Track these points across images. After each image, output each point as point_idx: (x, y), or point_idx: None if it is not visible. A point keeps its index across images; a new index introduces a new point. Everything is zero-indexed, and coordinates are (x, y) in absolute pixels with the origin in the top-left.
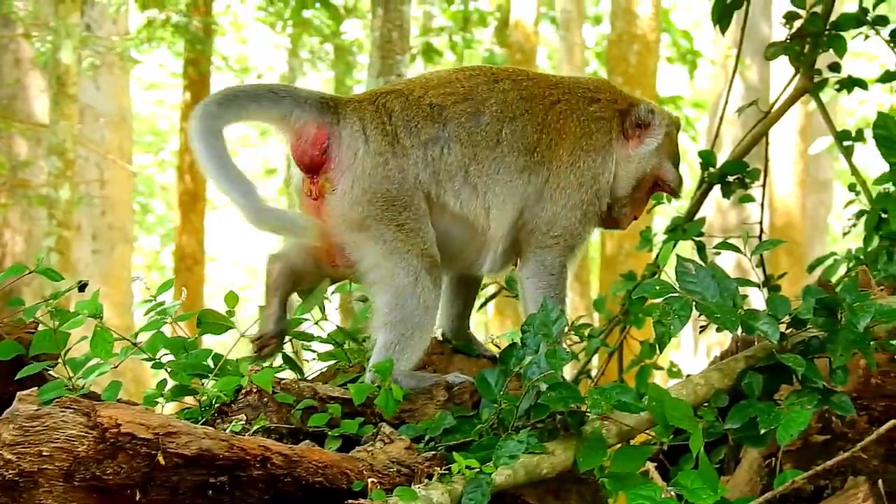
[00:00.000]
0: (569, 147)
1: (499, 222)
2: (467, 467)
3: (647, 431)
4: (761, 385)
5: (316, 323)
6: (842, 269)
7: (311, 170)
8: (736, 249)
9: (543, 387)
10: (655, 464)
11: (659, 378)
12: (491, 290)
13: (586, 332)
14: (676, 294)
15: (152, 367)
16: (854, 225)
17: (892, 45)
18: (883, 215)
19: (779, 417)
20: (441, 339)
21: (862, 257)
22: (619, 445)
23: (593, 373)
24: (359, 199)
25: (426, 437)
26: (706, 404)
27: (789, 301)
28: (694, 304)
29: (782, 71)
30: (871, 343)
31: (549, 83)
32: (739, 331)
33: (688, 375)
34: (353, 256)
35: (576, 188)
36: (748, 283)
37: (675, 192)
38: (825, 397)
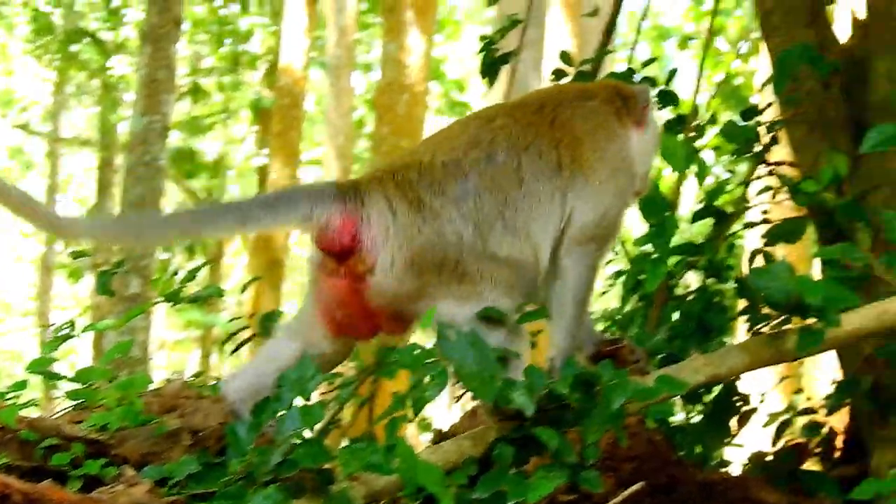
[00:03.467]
0: (589, 146)
1: (546, 252)
2: None
3: (396, 495)
4: (512, 456)
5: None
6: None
7: (341, 257)
8: None
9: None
10: None
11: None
12: (245, 334)
13: (337, 382)
14: (433, 361)
15: None
16: (612, 285)
17: (660, 105)
18: (640, 277)
19: (527, 489)
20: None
21: (618, 318)
22: None
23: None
24: (404, 273)
25: (169, 482)
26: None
27: (543, 372)
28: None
29: None
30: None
31: (539, 103)
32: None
33: (440, 431)
34: (419, 313)
35: (612, 177)
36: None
37: None
38: (575, 472)
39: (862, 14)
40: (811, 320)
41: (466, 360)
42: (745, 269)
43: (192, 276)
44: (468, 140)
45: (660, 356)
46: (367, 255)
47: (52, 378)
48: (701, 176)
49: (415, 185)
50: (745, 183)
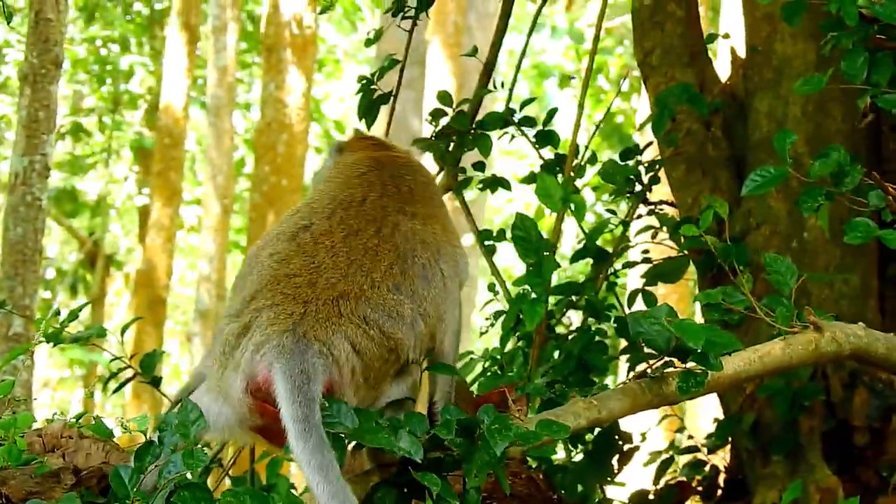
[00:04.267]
0: (442, 213)
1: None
2: None
3: None
4: (394, 499)
5: None
6: (478, 368)
7: None
8: None
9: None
10: None
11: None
12: (128, 373)
13: None
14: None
15: None
16: (492, 324)
17: (537, 146)
18: (520, 316)
19: None
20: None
21: (499, 357)
22: None
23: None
24: (366, 392)
25: None
26: None
27: (425, 418)
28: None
29: (430, 166)
30: (505, 463)
31: (373, 195)
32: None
33: None
34: None
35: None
36: None
37: None
38: None
39: (742, 52)
40: (692, 364)
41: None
42: (626, 309)
43: (74, 315)
44: (373, 256)
45: (541, 398)
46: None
47: None
48: (578, 216)
49: (372, 318)
50: (626, 222)
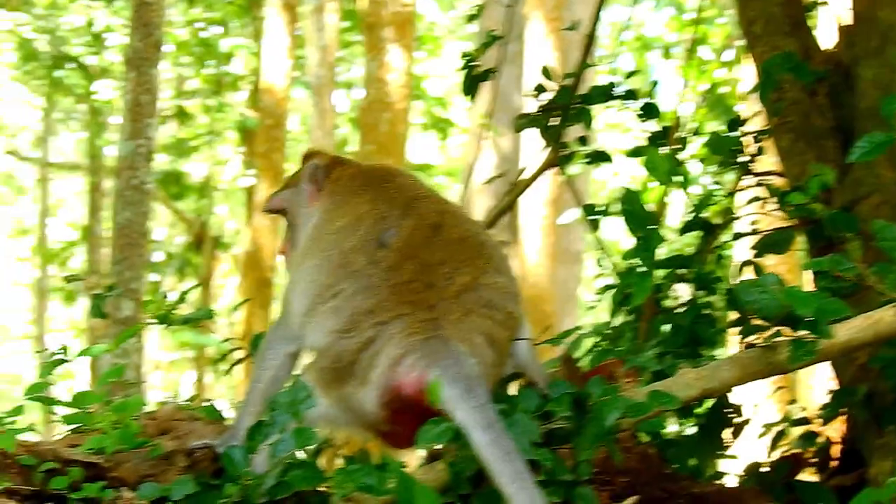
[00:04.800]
0: None
1: None
2: None
3: None
4: None
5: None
6: (587, 344)
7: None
8: None
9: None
10: None
11: None
12: (238, 354)
13: None
14: None
15: None
16: (600, 299)
17: (641, 119)
18: (628, 290)
19: None
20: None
21: (608, 332)
22: None
23: None
24: None
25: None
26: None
27: (536, 394)
28: None
29: (535, 141)
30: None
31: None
32: None
33: (432, 449)
34: None
35: None
36: None
37: None
38: (569, 488)
39: (847, 20)
40: (803, 332)
41: None
42: (734, 281)
43: (183, 297)
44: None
45: (651, 370)
46: None
47: (47, 403)
48: (685, 188)
49: (495, 302)
50: (732, 194)
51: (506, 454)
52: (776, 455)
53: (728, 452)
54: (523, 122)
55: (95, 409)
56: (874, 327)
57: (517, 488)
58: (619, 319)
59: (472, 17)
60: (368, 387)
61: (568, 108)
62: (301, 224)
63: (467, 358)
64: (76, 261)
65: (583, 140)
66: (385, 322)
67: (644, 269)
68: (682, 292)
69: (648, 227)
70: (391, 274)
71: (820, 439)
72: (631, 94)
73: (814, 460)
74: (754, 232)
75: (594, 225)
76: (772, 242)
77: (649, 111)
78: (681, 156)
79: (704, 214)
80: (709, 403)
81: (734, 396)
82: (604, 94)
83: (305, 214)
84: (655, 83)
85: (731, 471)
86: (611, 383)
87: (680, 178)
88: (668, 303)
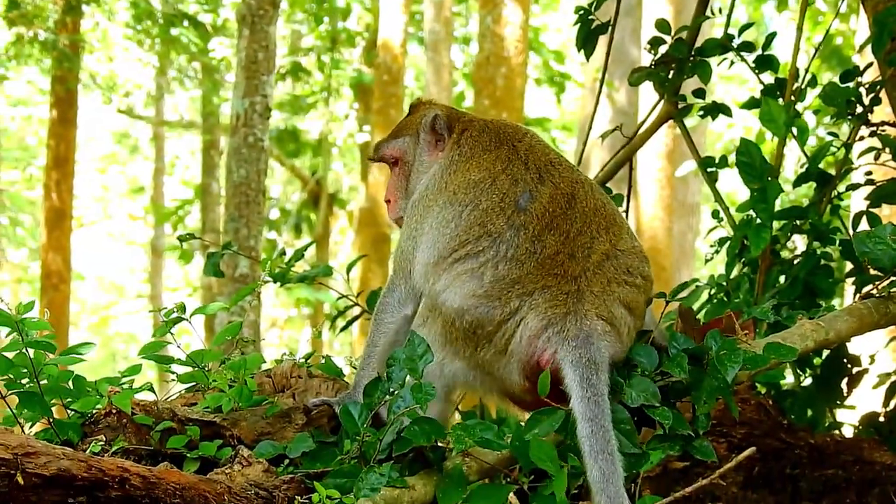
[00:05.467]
0: None
1: None
2: (328, 497)
3: (508, 469)
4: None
5: (178, 346)
6: (704, 296)
7: None
8: None
9: (407, 421)
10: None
11: None
12: (355, 311)
13: None
14: None
15: (7, 387)
16: (717, 251)
17: (756, 71)
18: (745, 242)
19: (641, 461)
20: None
21: (724, 284)
22: (479, 482)
23: None
24: None
25: (285, 461)
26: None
27: (655, 353)
28: None
29: (650, 94)
30: (734, 388)
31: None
32: None
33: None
34: None
35: None
36: None
37: None
38: (688, 442)
39: None
40: None
41: None
42: (851, 232)
43: (299, 255)
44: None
45: (767, 323)
46: None
47: (163, 362)
48: (801, 140)
49: (633, 267)
50: (848, 145)
51: (600, 451)
52: (893, 405)
53: (845, 403)
54: (639, 75)
55: (212, 367)
56: None
57: (599, 489)
58: (735, 271)
59: None
60: (509, 357)
61: (684, 60)
62: (417, 174)
63: (599, 340)
64: (191, 219)
65: (700, 92)
66: (530, 293)
67: (761, 220)
68: (799, 243)
69: (766, 178)
70: (536, 244)
71: None
72: (747, 46)
73: None
74: (870, 182)
75: (711, 177)
76: (887, 193)
77: (765, 63)
78: (798, 107)
79: (820, 165)
80: (825, 354)
81: (851, 347)
82: (720, 46)
83: (424, 164)
84: (773, 35)
85: (847, 421)
86: (728, 335)
87: (795, 130)
88: (784, 254)
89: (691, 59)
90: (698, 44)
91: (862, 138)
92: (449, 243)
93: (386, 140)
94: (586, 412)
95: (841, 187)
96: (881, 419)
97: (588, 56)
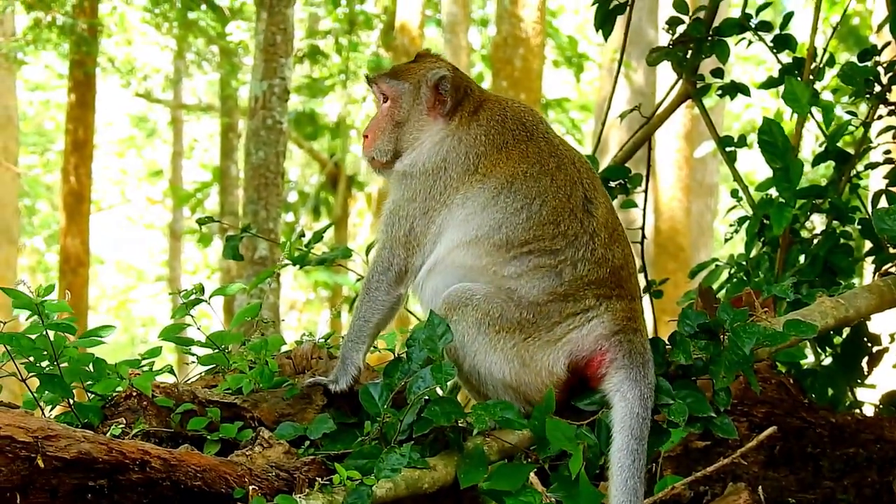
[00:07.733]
0: None
1: None
2: (349, 478)
3: (528, 449)
4: None
5: (198, 328)
6: (724, 275)
7: None
8: None
9: (427, 401)
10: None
11: None
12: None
13: None
14: None
15: (27, 370)
16: (736, 231)
17: (775, 50)
18: (765, 221)
19: (662, 440)
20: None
21: (744, 263)
22: (500, 461)
23: None
24: None
25: (306, 443)
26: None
27: (663, 341)
28: None
29: (668, 75)
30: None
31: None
32: None
33: None
34: None
35: None
36: None
37: None
38: (708, 419)
39: None
40: None
41: None
42: (870, 210)
43: (318, 237)
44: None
45: (787, 301)
46: None
47: (183, 344)
48: (826, 119)
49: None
50: (866, 124)
51: (630, 463)
52: None
53: (866, 382)
54: (657, 55)
55: (232, 349)
56: None
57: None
58: (755, 250)
59: None
60: (562, 346)
61: (702, 40)
62: (410, 127)
63: (651, 365)
64: (210, 202)
65: (718, 72)
66: (608, 297)
67: (784, 199)
68: (818, 223)
69: (788, 157)
70: (608, 252)
71: None
72: (765, 26)
73: None
74: (888, 161)
75: (730, 157)
76: None
77: (783, 43)
78: (816, 87)
79: (839, 144)
80: (846, 333)
81: (871, 326)
82: (738, 25)
83: (421, 121)
84: (791, 14)
85: (868, 399)
86: (749, 313)
87: (817, 110)
88: (803, 233)
89: (709, 38)
90: (716, 23)
91: (880, 117)
92: (522, 234)
93: (386, 75)
94: (634, 429)
95: (860, 166)
96: None
97: (606, 36)
